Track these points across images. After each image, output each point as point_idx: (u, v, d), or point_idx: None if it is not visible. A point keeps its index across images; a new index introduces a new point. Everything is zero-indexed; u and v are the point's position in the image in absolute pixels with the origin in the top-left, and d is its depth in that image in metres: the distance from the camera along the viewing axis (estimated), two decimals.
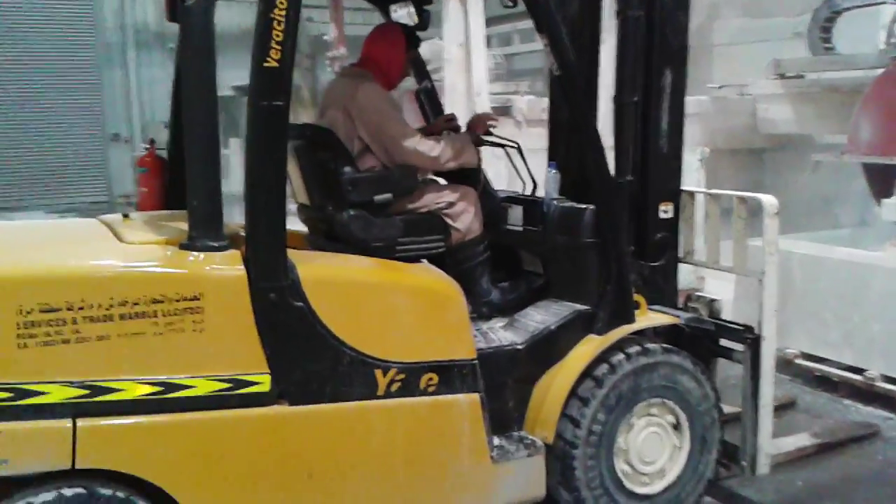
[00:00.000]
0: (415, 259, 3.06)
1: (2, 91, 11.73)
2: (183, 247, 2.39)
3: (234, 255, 2.41)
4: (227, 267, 2.38)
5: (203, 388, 2.33)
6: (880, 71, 6.53)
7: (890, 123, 6.46)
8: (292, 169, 3.14)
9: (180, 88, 2.91)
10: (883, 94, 7.05)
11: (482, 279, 3.31)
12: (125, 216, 2.79)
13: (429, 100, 3.81)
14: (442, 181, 3.44)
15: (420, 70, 3.74)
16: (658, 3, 3.25)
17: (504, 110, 6.79)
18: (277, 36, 2.34)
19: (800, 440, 3.88)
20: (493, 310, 3.34)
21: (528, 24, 3.43)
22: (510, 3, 3.02)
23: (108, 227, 2.67)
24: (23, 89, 11.83)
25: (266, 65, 2.35)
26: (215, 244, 2.38)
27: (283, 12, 2.33)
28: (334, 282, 2.57)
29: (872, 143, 6.99)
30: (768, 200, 3.27)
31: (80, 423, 2.22)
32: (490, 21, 8.03)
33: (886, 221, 5.03)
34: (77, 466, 2.21)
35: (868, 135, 6.93)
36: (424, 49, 9.04)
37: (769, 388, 3.26)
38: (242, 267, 2.38)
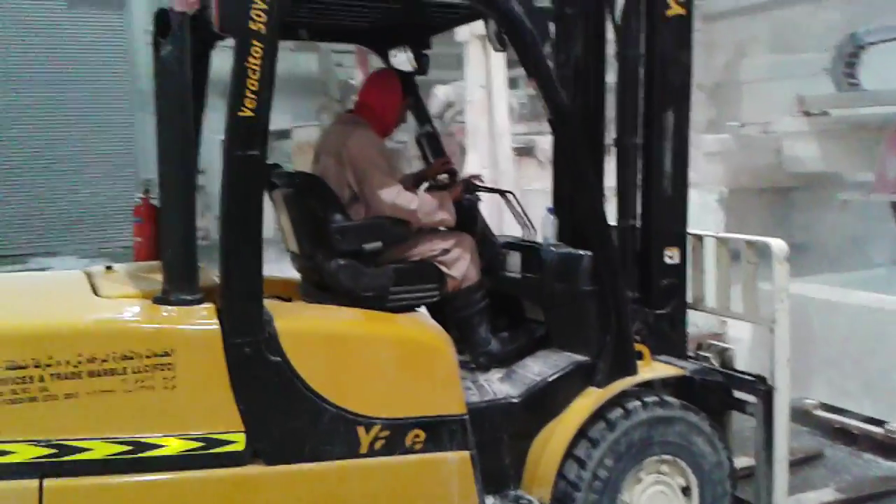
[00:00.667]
0: (409, 309, 2.97)
1: (36, 134, 12.00)
2: (156, 301, 2.33)
3: (209, 308, 2.34)
4: (200, 321, 2.31)
5: (174, 447, 2.25)
6: None
7: None
8: (283, 217, 3.09)
9: None
10: None
11: (480, 328, 3.20)
12: (108, 268, 2.75)
13: (430, 144, 3.75)
14: (441, 228, 3.36)
15: (421, 114, 3.69)
16: (659, 41, 3.15)
17: (527, 150, 6.74)
18: (252, 85, 2.30)
19: (822, 496, 3.67)
20: (492, 360, 3.22)
21: None
22: (500, 48, 2.96)
23: (89, 279, 2.63)
24: (56, 134, 12.11)
25: (241, 114, 2.30)
26: (189, 297, 2.32)
27: (258, 61, 2.30)
28: (314, 334, 2.49)
29: None
30: (777, 244, 3.13)
31: (47, 483, 2.16)
32: (512, 62, 8.05)
33: None
34: None
35: (895, 174, 6.71)
36: (447, 91, 9.11)
37: (784, 442, 3.09)
38: (216, 321, 2.32)
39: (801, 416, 3.51)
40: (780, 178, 7.67)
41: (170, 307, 2.31)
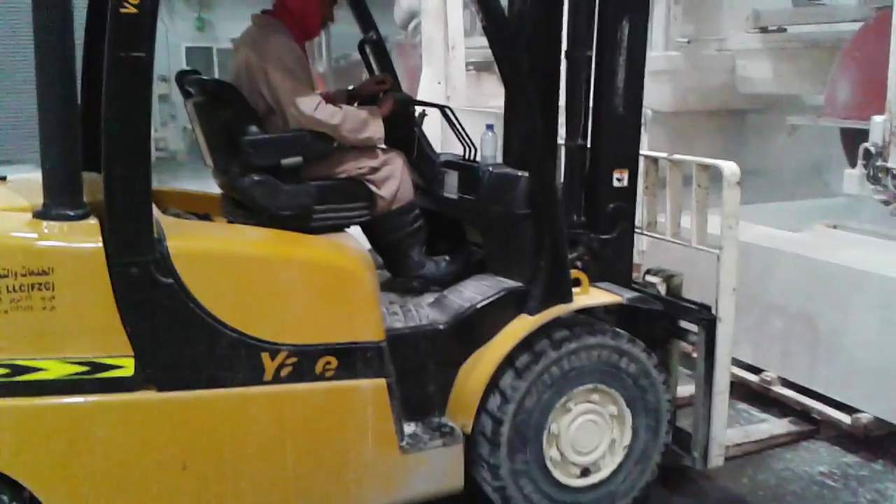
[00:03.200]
0: (335, 229, 2.80)
1: None
2: (37, 215, 2.16)
3: (93, 225, 2.17)
4: (82, 238, 2.14)
5: (56, 371, 2.12)
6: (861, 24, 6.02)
7: (867, 84, 5.98)
8: (197, 129, 2.88)
9: (91, 34, 2.69)
10: (861, 51, 6.52)
11: (413, 251, 3.04)
12: (1, 179, 2.57)
13: (375, 54, 3.50)
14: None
15: (363, 18, 3.42)
16: None
17: (487, 65, 6.41)
18: None
19: (774, 428, 3.60)
20: (427, 284, 3.07)
21: None
22: None
23: None
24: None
25: (123, 11, 2.08)
26: (71, 212, 2.15)
27: None
28: (212, 256, 2.32)
29: (850, 106, 6.52)
30: (729, 168, 2.94)
31: None
32: None
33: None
34: None
35: (846, 96, 6.41)
36: (411, 1, 8.63)
37: (725, 373, 2.97)
38: (99, 238, 2.15)
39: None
40: (733, 99, 7.32)
41: (50, 222, 2.14)
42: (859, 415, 3.45)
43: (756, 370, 3.89)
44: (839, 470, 3.35)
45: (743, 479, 3.27)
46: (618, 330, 2.85)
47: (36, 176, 2.66)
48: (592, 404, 2.83)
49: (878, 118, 5.50)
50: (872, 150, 5.48)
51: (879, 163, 5.43)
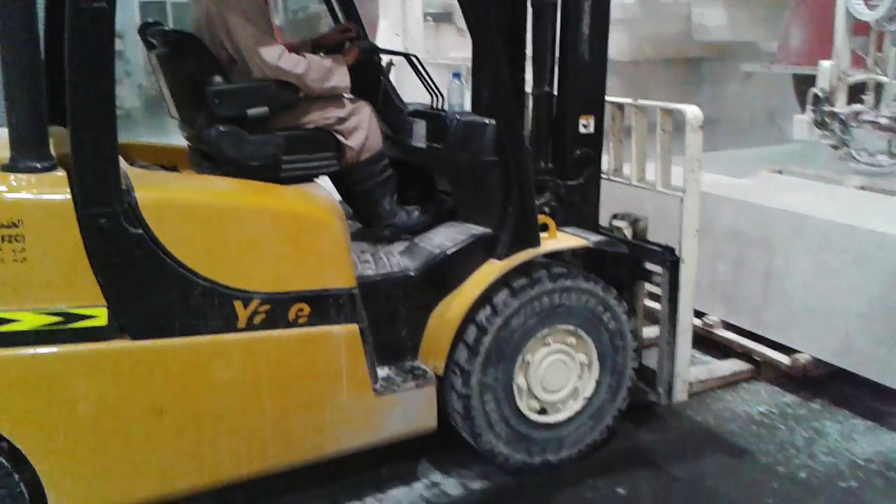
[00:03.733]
0: (304, 179, 2.83)
1: None
2: (4, 168, 2.16)
3: (60, 176, 2.18)
4: (51, 190, 2.15)
5: (29, 321, 2.15)
6: None
7: (819, 29, 6.03)
8: (162, 81, 2.87)
9: None
10: None
11: (384, 200, 3.07)
12: None
13: (340, 1, 3.47)
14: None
15: None
16: None
17: (446, 16, 6.34)
18: None
19: (734, 365, 3.70)
20: (398, 232, 3.11)
21: None
22: None
23: None
24: None
25: None
26: (38, 164, 2.15)
27: None
28: (180, 205, 2.34)
29: (801, 52, 6.57)
30: (692, 112, 2.99)
31: None
32: None
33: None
34: None
35: (798, 42, 6.45)
36: None
37: (688, 313, 3.07)
38: (68, 190, 2.16)
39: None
40: (688, 48, 7.34)
41: (18, 175, 2.14)
42: (798, 355, 3.53)
43: (699, 314, 3.89)
44: (778, 409, 3.42)
45: (682, 420, 3.31)
46: (583, 272, 2.91)
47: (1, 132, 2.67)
48: (562, 345, 2.91)
49: (825, 63, 5.59)
50: (820, 95, 5.59)
51: (827, 108, 5.55)
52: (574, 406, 2.97)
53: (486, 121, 2.86)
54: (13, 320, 2.13)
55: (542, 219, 2.89)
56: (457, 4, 2.79)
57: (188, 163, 3.04)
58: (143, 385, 2.31)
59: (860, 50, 5.88)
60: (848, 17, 5.57)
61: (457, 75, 3.05)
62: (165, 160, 3.00)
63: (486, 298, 2.76)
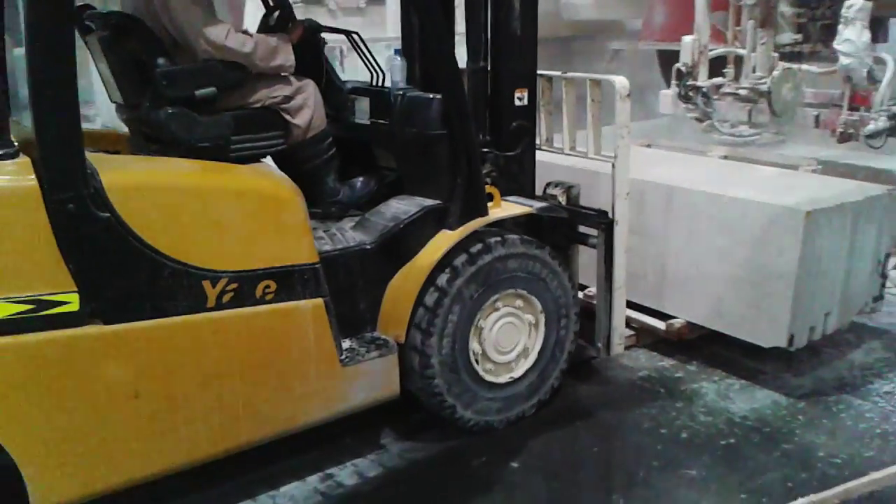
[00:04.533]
0: (252, 159, 2.84)
1: None
2: None
3: (24, 162, 2.14)
4: (16, 176, 2.11)
5: (1, 310, 2.10)
6: None
7: (680, 6, 6.33)
8: (101, 65, 2.82)
9: None
10: None
11: (329, 178, 3.13)
12: None
13: None
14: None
15: None
16: None
17: None
18: None
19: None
20: (343, 209, 3.18)
21: None
22: None
23: None
24: None
25: None
26: (1, 152, 2.10)
27: None
28: (146, 188, 2.33)
29: (665, 29, 6.92)
30: (620, 82, 3.19)
31: None
32: None
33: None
34: None
35: (662, 19, 6.81)
36: None
37: (622, 271, 3.28)
38: (34, 176, 2.12)
39: None
40: (558, 27, 7.60)
41: None
42: (673, 321, 3.65)
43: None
44: (657, 374, 3.52)
45: (564, 388, 3.33)
46: (531, 238, 3.07)
47: None
48: (511, 308, 3.06)
49: (687, 38, 5.91)
50: (683, 69, 5.92)
51: (690, 82, 5.90)
52: (524, 365, 3.13)
53: (431, 96, 2.96)
54: None
55: (487, 189, 3.02)
56: None
57: (128, 147, 2.99)
58: (118, 369, 2.30)
59: (720, 25, 6.24)
60: None
61: (398, 52, 3.13)
62: (106, 145, 2.94)
63: (441, 266, 2.87)
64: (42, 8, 2.07)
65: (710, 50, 5.93)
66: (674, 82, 6.03)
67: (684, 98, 5.98)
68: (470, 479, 2.81)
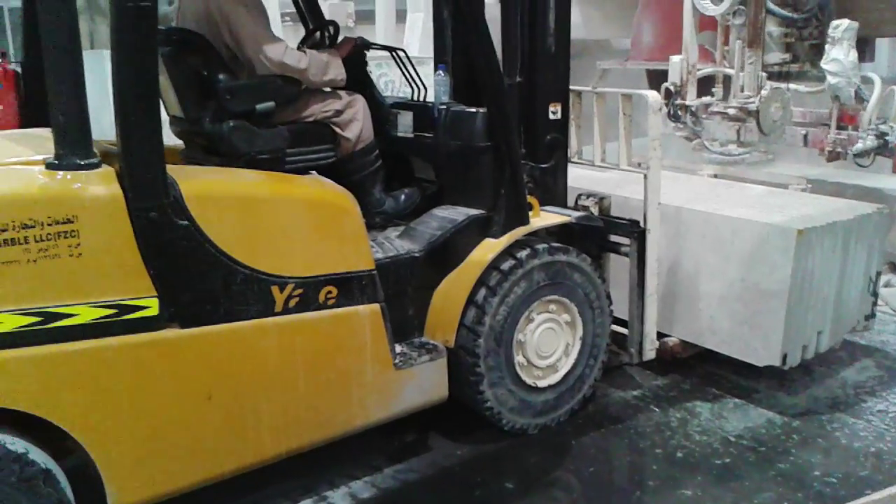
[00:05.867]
0: (304, 171, 2.95)
1: None
2: (50, 167, 2.19)
3: (108, 172, 2.23)
4: (101, 186, 2.21)
5: (86, 315, 2.19)
6: None
7: (668, 25, 6.37)
8: (162, 78, 2.91)
9: None
10: None
11: (375, 189, 3.24)
12: None
13: (306, 1, 3.60)
14: (328, 88, 3.30)
15: None
16: None
17: None
18: None
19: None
20: (387, 219, 3.29)
21: None
22: None
23: None
24: None
25: None
26: (84, 162, 2.20)
27: None
28: (221, 197, 2.44)
29: (653, 48, 6.99)
30: (653, 96, 3.32)
31: None
32: None
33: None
34: None
35: (649, 39, 6.89)
36: None
37: (654, 278, 3.39)
38: (118, 185, 2.22)
39: None
40: None
41: (66, 172, 2.18)
42: (666, 339, 3.64)
43: None
44: (651, 392, 3.53)
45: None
46: (569, 247, 3.18)
47: (15, 132, 2.67)
48: (550, 314, 3.17)
49: (675, 58, 5.98)
50: (672, 89, 6.02)
51: (679, 101, 6.01)
52: (563, 369, 3.24)
53: (476, 109, 3.08)
54: (70, 315, 2.17)
55: (528, 199, 3.14)
56: None
57: (180, 159, 3.08)
58: (193, 371, 2.39)
59: (708, 44, 6.34)
60: (695, 13, 5.93)
61: (442, 68, 3.25)
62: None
63: (489, 271, 2.98)
64: (128, 27, 2.17)
65: (699, 69, 5.99)
66: (662, 101, 6.12)
67: (673, 117, 6.03)
68: (464, 500, 2.82)
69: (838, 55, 5.28)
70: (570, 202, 3.53)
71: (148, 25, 2.20)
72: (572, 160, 3.64)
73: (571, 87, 3.50)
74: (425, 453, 3.08)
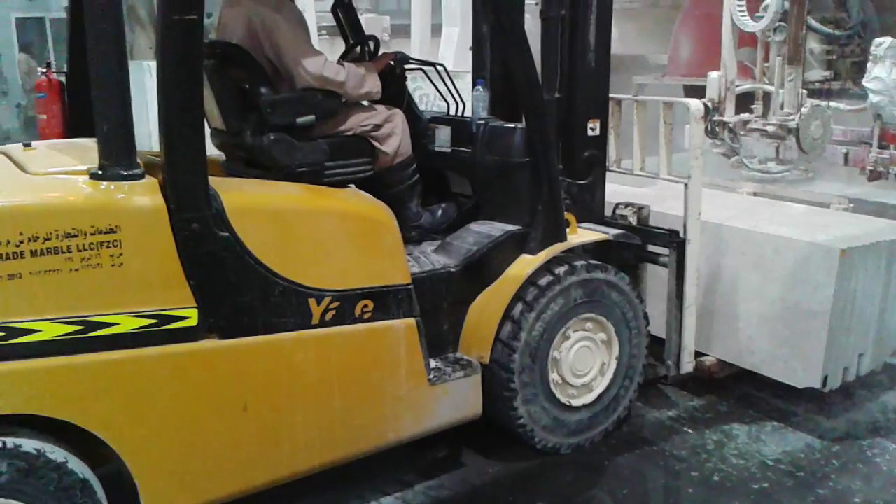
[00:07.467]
0: (342, 184, 2.95)
1: None
2: (94, 176, 2.22)
3: (152, 183, 2.25)
4: (145, 196, 2.23)
5: (126, 324, 2.21)
6: None
7: (706, 41, 6.34)
8: (204, 91, 2.94)
9: (78, 4, 2.69)
10: (699, 10, 6.89)
11: (412, 203, 3.23)
12: (26, 145, 2.57)
13: (346, 16, 3.62)
14: (366, 102, 3.30)
15: None
16: None
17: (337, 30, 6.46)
18: None
19: None
20: (423, 234, 3.28)
21: None
22: None
23: (8, 157, 2.46)
24: None
25: None
26: (127, 172, 2.22)
27: None
28: (262, 210, 2.45)
29: (691, 64, 6.93)
30: (695, 105, 3.29)
31: None
32: None
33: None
34: None
35: (687, 54, 6.84)
36: None
37: (693, 289, 3.33)
38: (161, 196, 2.24)
39: None
40: None
41: (110, 182, 2.21)
42: (703, 358, 3.57)
43: None
44: (687, 413, 3.46)
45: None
46: (604, 264, 3.14)
47: (59, 141, 2.70)
48: (586, 332, 3.13)
49: (713, 74, 5.92)
50: (710, 105, 5.91)
51: (717, 117, 5.94)
52: (598, 388, 3.20)
53: (514, 125, 3.07)
54: (112, 324, 2.19)
55: (565, 215, 3.12)
56: None
57: (220, 171, 3.10)
58: (231, 382, 2.40)
59: (748, 61, 6.27)
60: (734, 29, 5.88)
61: (481, 83, 3.25)
62: None
63: (525, 288, 2.96)
64: (174, 40, 2.20)
65: (737, 86, 5.93)
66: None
67: (710, 133, 5.99)
68: None
69: (881, 73, 5.21)
70: (608, 211, 3.50)
71: (194, 38, 2.23)
72: (611, 168, 3.60)
73: (611, 95, 3.47)
74: (456, 470, 3.05)
